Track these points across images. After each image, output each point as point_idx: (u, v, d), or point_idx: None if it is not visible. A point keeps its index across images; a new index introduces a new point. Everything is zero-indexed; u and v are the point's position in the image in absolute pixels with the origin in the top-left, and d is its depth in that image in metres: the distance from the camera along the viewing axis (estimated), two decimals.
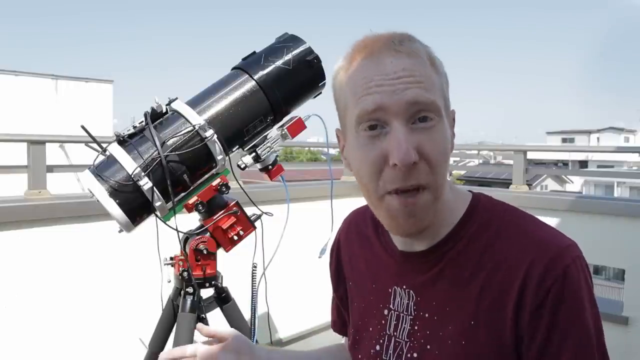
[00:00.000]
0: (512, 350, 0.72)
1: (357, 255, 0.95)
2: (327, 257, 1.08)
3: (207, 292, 1.49)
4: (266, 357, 0.95)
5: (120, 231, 1.32)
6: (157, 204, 1.27)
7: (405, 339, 0.82)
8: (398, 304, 0.84)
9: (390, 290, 0.86)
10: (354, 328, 0.94)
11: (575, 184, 24.47)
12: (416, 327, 0.81)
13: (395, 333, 0.84)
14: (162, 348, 1.56)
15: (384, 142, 0.72)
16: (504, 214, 0.80)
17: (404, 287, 0.84)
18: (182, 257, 1.42)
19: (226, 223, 1.39)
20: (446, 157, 0.75)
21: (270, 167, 1.43)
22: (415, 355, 0.80)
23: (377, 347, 0.86)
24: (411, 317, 0.82)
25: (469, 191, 0.86)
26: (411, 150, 0.69)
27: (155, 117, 1.31)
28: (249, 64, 1.39)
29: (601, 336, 0.73)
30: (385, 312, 0.86)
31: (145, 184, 1.24)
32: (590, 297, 0.72)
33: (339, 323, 1.06)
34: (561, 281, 0.70)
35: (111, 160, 1.27)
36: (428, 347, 0.79)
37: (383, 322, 0.86)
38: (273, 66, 1.37)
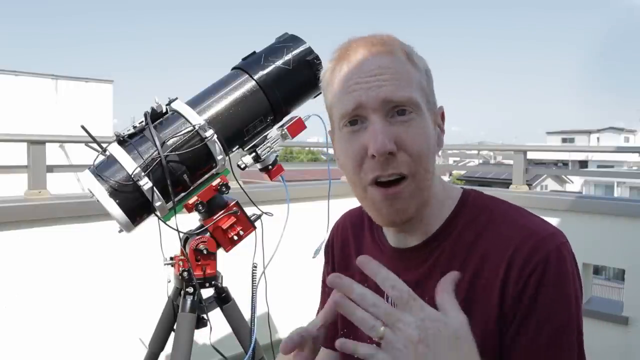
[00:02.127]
0: (495, 340, 0.72)
1: (352, 254, 0.96)
2: (323, 256, 1.08)
3: (207, 292, 1.49)
4: None
5: (120, 231, 1.32)
6: (157, 204, 1.27)
7: None
8: (391, 302, 0.85)
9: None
10: (345, 329, 0.93)
11: (575, 184, 24.46)
12: None
13: None
14: (162, 348, 1.56)
15: (363, 135, 0.75)
16: (493, 207, 0.81)
17: None
18: (182, 257, 1.42)
19: (226, 223, 1.39)
20: (428, 149, 0.76)
21: (270, 167, 1.43)
22: None
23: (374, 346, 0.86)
24: None
25: (461, 188, 0.87)
26: (387, 141, 0.72)
27: (155, 117, 1.31)
28: (249, 64, 1.39)
29: (581, 327, 0.72)
30: None
31: (145, 184, 1.24)
32: (575, 285, 0.72)
33: (332, 332, 1.04)
34: (542, 267, 0.70)
35: (111, 160, 1.27)
36: None
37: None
38: (273, 66, 1.37)
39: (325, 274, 1.04)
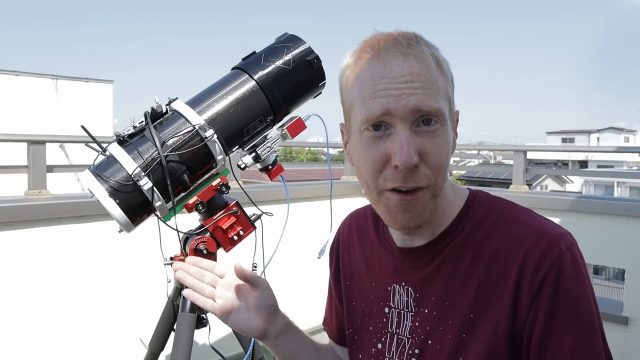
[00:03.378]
0: (505, 341, 0.73)
1: (357, 255, 0.96)
2: (326, 257, 1.08)
3: None
4: (283, 324, 0.94)
5: (120, 231, 1.32)
6: (157, 204, 1.27)
7: (407, 336, 0.83)
8: (398, 302, 0.85)
9: (389, 288, 0.86)
10: (351, 328, 0.94)
11: (575, 184, 24.46)
12: (417, 323, 0.82)
13: (397, 330, 0.84)
14: (162, 348, 1.56)
15: (387, 142, 0.73)
16: (500, 207, 0.81)
17: (403, 284, 0.84)
18: (182, 257, 1.42)
19: (226, 223, 1.39)
20: (447, 159, 0.76)
21: (270, 167, 1.42)
22: (417, 351, 0.81)
23: (379, 346, 0.86)
24: (412, 313, 0.83)
25: (468, 189, 0.87)
26: (413, 154, 0.71)
27: (155, 117, 1.31)
28: (248, 64, 1.39)
29: (601, 323, 0.73)
30: (386, 310, 0.86)
31: (145, 184, 1.24)
32: (589, 282, 0.73)
33: (336, 330, 1.04)
34: (557, 268, 0.70)
35: (111, 160, 1.27)
36: (429, 342, 0.80)
37: (384, 320, 0.86)
38: (273, 66, 1.37)
39: (330, 275, 1.04)
